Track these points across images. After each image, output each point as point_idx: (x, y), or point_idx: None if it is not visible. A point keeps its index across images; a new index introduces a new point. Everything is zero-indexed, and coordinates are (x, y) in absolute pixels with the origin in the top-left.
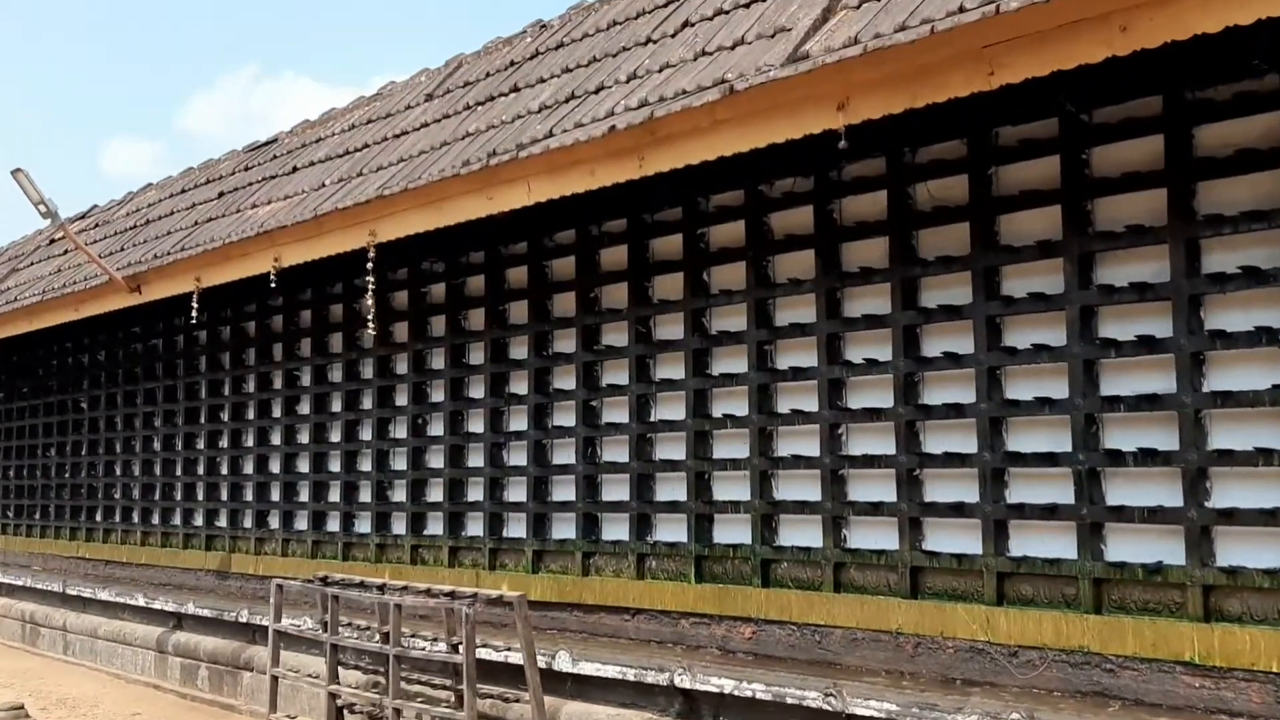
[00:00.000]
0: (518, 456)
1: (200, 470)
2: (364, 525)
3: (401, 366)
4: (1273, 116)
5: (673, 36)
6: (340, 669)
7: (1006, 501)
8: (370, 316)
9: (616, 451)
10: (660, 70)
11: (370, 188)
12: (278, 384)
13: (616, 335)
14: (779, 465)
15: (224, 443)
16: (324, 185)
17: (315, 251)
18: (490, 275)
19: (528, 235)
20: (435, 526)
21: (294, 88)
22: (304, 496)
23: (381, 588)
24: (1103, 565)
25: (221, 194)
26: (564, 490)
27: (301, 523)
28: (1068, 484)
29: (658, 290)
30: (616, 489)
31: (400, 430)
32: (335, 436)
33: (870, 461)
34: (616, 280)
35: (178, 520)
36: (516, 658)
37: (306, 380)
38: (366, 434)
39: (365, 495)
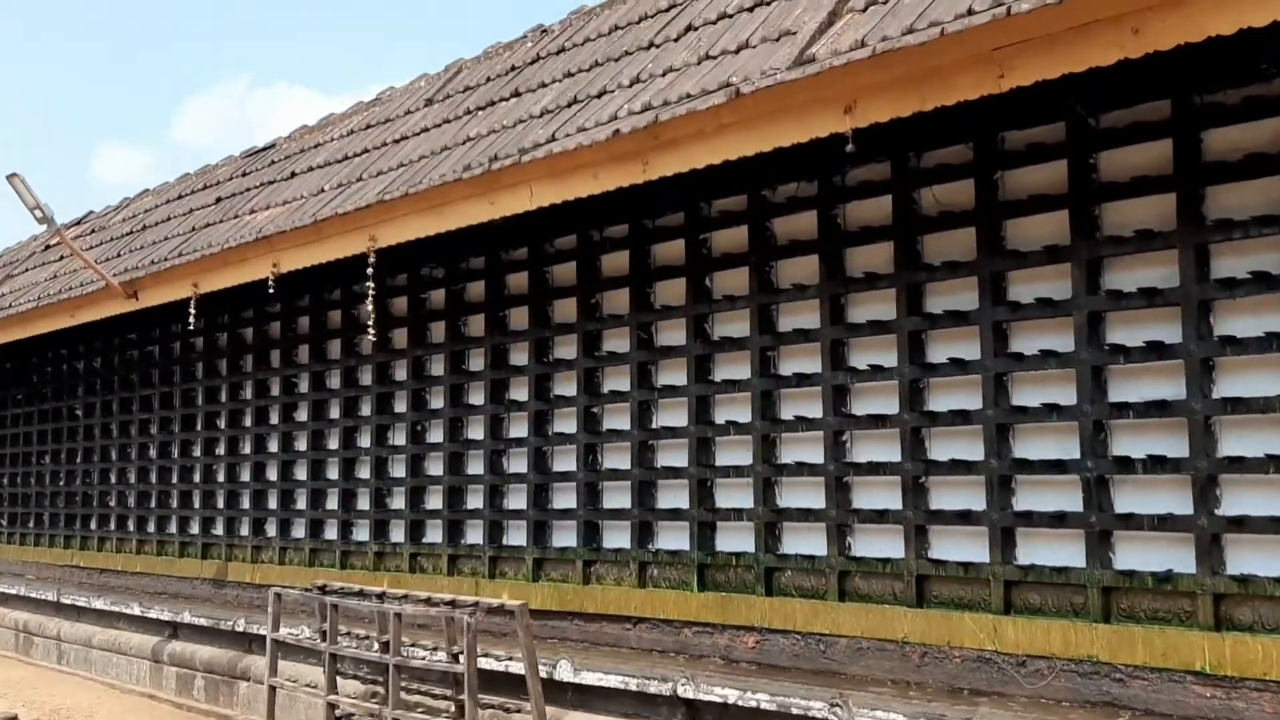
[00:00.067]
0: (518, 463)
1: (196, 478)
2: (362, 533)
3: (400, 373)
4: None
5: (675, 41)
6: (339, 678)
7: (1014, 509)
8: (370, 322)
9: (618, 458)
10: (664, 74)
11: (370, 192)
12: (275, 390)
13: (618, 341)
14: (782, 472)
15: (220, 450)
16: (323, 190)
17: (315, 257)
18: (490, 281)
19: (528, 240)
20: (434, 534)
21: (287, 96)
22: (301, 504)
23: (381, 596)
24: (1112, 573)
25: (219, 199)
26: (565, 498)
27: (299, 531)
28: (1076, 491)
29: (659, 296)
30: (618, 496)
31: (399, 437)
32: (333, 443)
33: (875, 468)
34: (618, 286)
35: (174, 528)
36: (517, 667)
37: (304, 387)
38: (365, 441)
39: (363, 503)
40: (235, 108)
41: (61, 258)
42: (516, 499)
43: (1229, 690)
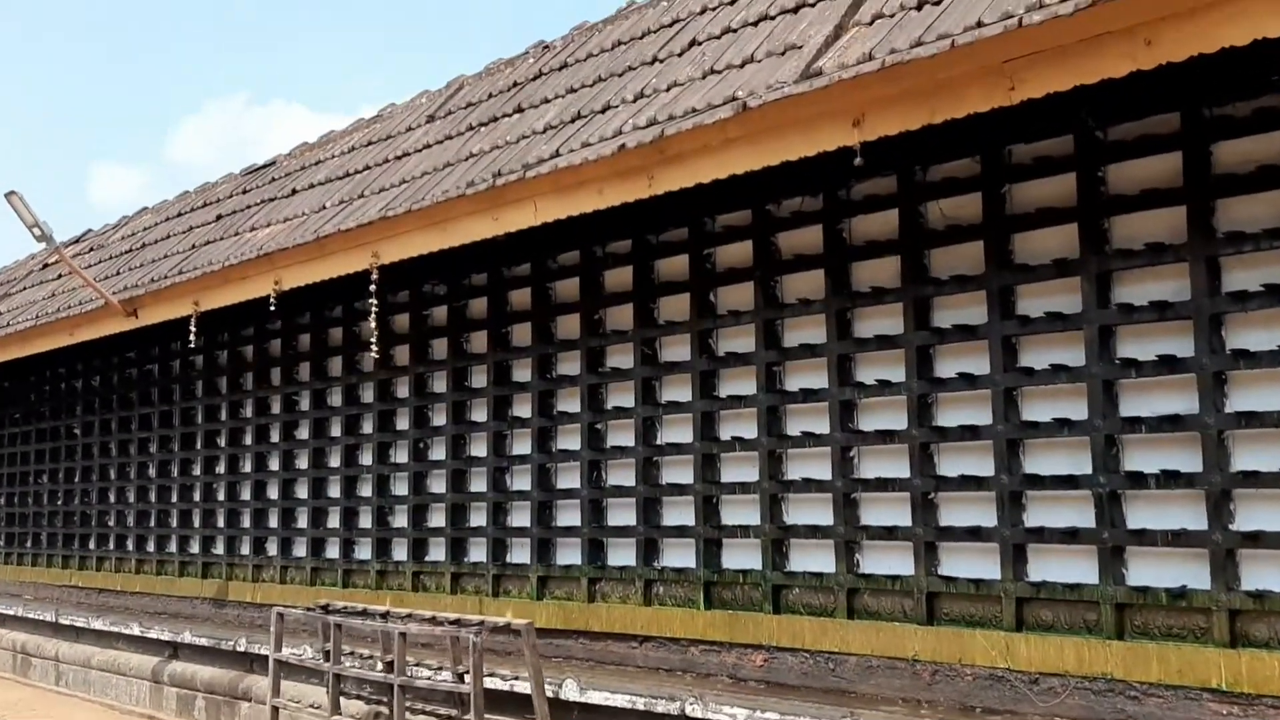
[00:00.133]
0: (521, 481)
1: (196, 496)
2: (364, 551)
3: (403, 390)
4: None
5: (680, 55)
6: (342, 699)
7: (1025, 525)
8: (372, 339)
9: (622, 475)
10: (668, 89)
11: (373, 209)
12: (276, 408)
13: (622, 357)
14: (789, 489)
15: (221, 468)
16: (325, 207)
17: (317, 274)
18: (493, 297)
19: (531, 257)
20: (437, 552)
21: (284, 114)
22: (303, 523)
23: (385, 615)
24: (1125, 590)
25: (219, 217)
26: (569, 515)
27: (300, 549)
28: (1088, 507)
29: (663, 311)
30: (622, 513)
31: (401, 455)
32: (335, 461)
33: (883, 485)
34: (622, 301)
35: (174, 547)
36: (523, 687)
37: (305, 404)
38: (367, 459)
39: (365, 521)
40: (232, 126)
41: (60, 276)
42: (520, 516)
43: (1245, 707)
